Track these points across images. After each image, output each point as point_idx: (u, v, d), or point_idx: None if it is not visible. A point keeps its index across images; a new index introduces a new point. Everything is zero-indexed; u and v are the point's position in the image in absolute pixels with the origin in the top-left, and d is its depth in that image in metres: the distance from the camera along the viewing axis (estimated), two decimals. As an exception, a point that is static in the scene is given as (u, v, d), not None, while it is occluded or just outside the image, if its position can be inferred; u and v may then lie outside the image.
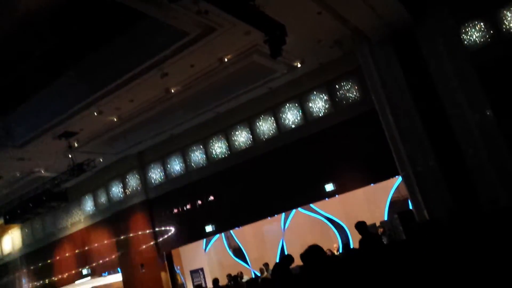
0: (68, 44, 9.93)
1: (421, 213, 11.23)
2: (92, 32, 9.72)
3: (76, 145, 14.72)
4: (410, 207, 12.33)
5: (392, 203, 14.91)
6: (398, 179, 13.77)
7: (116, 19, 9.78)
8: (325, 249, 11.21)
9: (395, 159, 11.78)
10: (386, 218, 14.35)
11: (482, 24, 11.58)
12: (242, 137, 15.60)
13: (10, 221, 16.57)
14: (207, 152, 16.26)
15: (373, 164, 12.94)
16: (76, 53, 10.16)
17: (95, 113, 13.04)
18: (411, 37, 11.57)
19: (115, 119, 14.03)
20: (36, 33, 9.57)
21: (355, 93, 13.63)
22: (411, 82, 11.47)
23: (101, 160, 16.93)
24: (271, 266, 12.77)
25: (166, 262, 17.17)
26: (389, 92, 11.68)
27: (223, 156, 15.94)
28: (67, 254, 19.75)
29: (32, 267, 20.98)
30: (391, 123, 11.70)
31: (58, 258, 20.14)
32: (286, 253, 16.44)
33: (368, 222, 12.97)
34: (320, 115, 14.13)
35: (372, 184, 13.84)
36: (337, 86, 13.87)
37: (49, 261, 20.26)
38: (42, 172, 16.51)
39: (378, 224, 13.09)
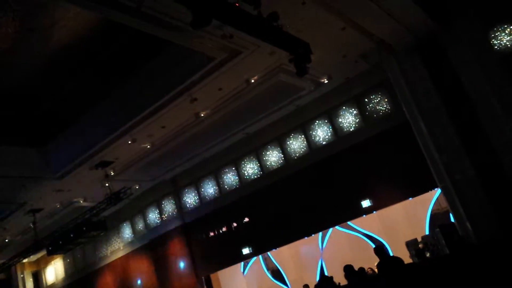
0: (99, 75, 10.29)
1: (463, 225, 10.77)
2: (121, 62, 10.03)
3: (112, 173, 15.06)
4: (452, 219, 11.87)
5: (432, 217, 14.37)
6: (437, 192, 13.33)
7: (144, 48, 10.09)
8: (366, 268, 11.01)
9: (432, 171, 11.39)
10: (427, 233, 13.85)
11: (512, 27, 11.23)
12: (273, 157, 15.56)
13: (52, 252, 16.90)
14: (239, 174, 16.29)
15: (410, 177, 12.60)
16: (107, 84, 10.50)
17: (129, 142, 13.31)
18: (438, 45, 11.27)
19: (149, 146, 14.30)
20: (68, 66, 9.97)
21: (385, 106, 13.42)
22: (441, 91, 11.13)
23: (137, 187, 17.27)
24: None
25: (205, 286, 17.10)
26: (420, 102, 11.37)
27: (255, 176, 15.92)
28: (108, 283, 20.04)
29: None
30: (425, 134, 11.35)
31: (100, 287, 20.44)
32: (326, 272, 16.09)
33: (409, 238, 12.72)
34: (351, 130, 13.95)
35: (410, 198, 13.46)
36: (366, 100, 13.71)
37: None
38: (81, 202, 16.94)
39: (419, 239, 12.64)
